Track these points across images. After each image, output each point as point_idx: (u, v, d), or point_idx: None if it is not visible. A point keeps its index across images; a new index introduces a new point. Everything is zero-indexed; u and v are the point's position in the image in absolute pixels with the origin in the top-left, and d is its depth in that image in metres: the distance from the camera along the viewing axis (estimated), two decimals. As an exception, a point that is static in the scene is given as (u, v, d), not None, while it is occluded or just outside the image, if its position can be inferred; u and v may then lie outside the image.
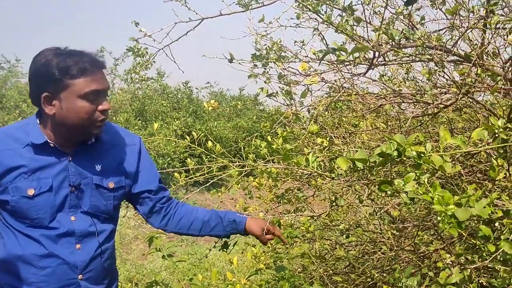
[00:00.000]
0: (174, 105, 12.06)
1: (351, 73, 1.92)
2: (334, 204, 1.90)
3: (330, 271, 2.88)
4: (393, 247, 2.58)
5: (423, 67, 2.25)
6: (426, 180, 1.26)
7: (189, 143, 2.94)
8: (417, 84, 2.07)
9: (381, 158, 1.29)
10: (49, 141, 1.57)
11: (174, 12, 1.79)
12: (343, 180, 2.26)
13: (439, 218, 1.08)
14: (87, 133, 1.58)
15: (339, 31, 1.48)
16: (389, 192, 1.17)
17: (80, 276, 1.61)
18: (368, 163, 1.32)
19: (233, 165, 2.89)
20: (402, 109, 2.20)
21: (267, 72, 2.87)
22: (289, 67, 2.00)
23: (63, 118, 1.53)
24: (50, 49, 1.54)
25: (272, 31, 2.05)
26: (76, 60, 1.50)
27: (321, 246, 2.78)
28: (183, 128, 10.52)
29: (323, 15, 1.46)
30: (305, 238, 2.79)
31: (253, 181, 3.15)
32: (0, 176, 1.53)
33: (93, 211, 1.64)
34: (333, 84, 2.26)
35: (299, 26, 2.04)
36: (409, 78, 2.46)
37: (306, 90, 3.03)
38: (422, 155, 1.27)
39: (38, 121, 1.61)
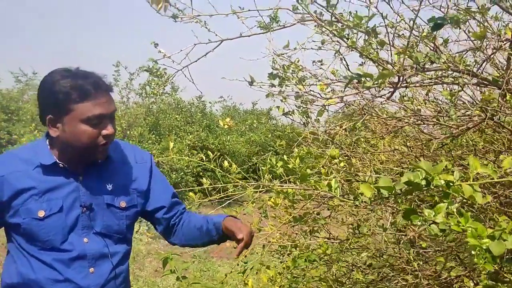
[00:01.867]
0: (188, 119, 12.10)
1: (373, 95, 1.88)
2: (356, 231, 1.84)
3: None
4: (413, 272, 2.51)
5: (444, 89, 2.21)
6: (455, 210, 1.21)
7: (204, 162, 2.91)
8: (438, 105, 2.02)
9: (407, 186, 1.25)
10: (58, 161, 1.56)
11: (194, 33, 1.78)
12: (364, 207, 2.21)
13: (473, 252, 1.03)
14: (90, 157, 1.56)
15: (364, 56, 1.45)
16: (418, 223, 1.12)
17: None
18: (393, 191, 1.28)
19: (249, 185, 2.86)
20: (424, 132, 2.15)
21: (283, 91, 2.85)
22: (310, 90, 1.96)
23: (67, 141, 1.52)
24: (58, 71, 1.52)
25: (293, 54, 2.02)
26: (79, 84, 1.47)
27: (338, 269, 2.72)
28: (196, 142, 10.53)
29: (348, 39, 1.43)
30: (322, 260, 2.73)
31: (269, 200, 3.11)
32: (10, 199, 1.52)
33: (106, 231, 1.61)
34: (352, 105, 2.22)
35: (321, 48, 2.02)
36: (429, 100, 2.41)
37: (323, 109, 3.00)
38: (451, 184, 1.22)
39: (47, 142, 1.60)
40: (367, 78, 1.18)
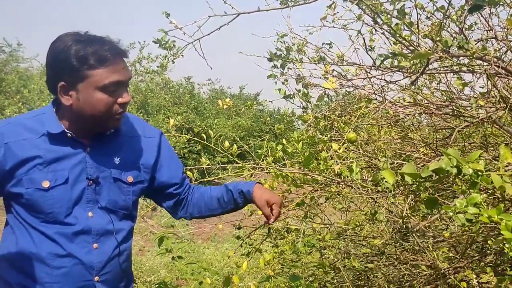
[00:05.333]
0: (176, 100, 11.93)
1: (387, 80, 1.83)
2: (373, 218, 1.81)
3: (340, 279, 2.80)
4: (411, 262, 2.50)
5: (457, 77, 2.17)
6: (482, 201, 1.18)
7: (201, 141, 2.85)
8: (453, 94, 1.98)
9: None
10: (66, 130, 1.47)
11: (209, 5, 1.70)
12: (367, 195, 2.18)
13: (506, 246, 1.00)
14: (104, 126, 1.49)
15: (397, 36, 1.39)
16: (451, 213, 1.08)
17: (96, 278, 1.50)
18: (418, 178, 1.24)
19: (247, 166, 2.81)
20: (443, 120, 2.11)
21: (286, 73, 2.79)
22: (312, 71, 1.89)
23: (80, 110, 1.44)
24: (69, 35, 1.43)
25: (315, 31, 1.96)
26: (96, 49, 1.39)
27: (334, 255, 2.70)
28: (183, 123, 10.40)
29: (382, 17, 1.37)
30: (320, 246, 2.71)
31: (264, 184, 3.06)
32: (13, 168, 1.43)
33: (111, 206, 1.54)
34: (363, 89, 2.17)
35: (346, 26, 1.95)
36: (438, 88, 2.38)
37: (323, 94, 2.94)
38: (480, 173, 1.18)
39: (55, 110, 1.51)
40: (402, 58, 1.13)
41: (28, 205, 1.45)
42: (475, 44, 1.78)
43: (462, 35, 1.43)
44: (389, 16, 1.33)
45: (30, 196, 1.44)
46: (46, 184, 1.44)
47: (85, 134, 1.50)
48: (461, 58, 1.54)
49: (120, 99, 1.43)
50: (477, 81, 1.91)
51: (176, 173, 1.70)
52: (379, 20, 1.39)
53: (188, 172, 2.87)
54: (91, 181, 1.49)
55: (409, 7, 1.43)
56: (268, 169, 2.69)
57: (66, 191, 1.46)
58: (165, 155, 1.68)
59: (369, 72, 2.04)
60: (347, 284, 2.20)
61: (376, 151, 2.35)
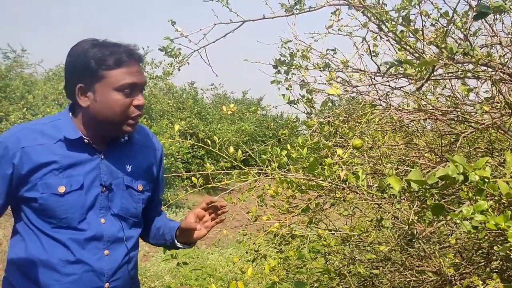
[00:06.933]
0: (179, 105, 11.97)
1: (392, 87, 1.83)
2: (379, 224, 1.80)
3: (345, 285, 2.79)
4: (416, 268, 2.49)
5: (462, 83, 2.17)
6: (489, 207, 1.17)
7: (206, 147, 2.85)
8: (458, 100, 1.99)
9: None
10: (83, 136, 1.49)
11: (214, 12, 1.71)
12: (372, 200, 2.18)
13: (514, 252, 1.00)
14: (119, 129, 1.48)
15: (402, 43, 1.40)
16: (458, 220, 1.08)
17: (106, 285, 1.50)
18: (424, 185, 1.24)
19: (251, 171, 2.81)
20: (447, 126, 2.11)
21: (290, 79, 2.79)
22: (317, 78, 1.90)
23: (97, 111, 1.46)
24: (87, 40, 1.47)
25: (320, 38, 1.96)
26: (113, 51, 1.42)
27: (340, 261, 2.69)
28: (187, 128, 10.43)
29: (387, 24, 1.37)
30: (325, 252, 2.70)
31: (268, 189, 3.06)
32: (29, 173, 1.44)
33: (123, 214, 1.55)
34: (368, 95, 2.18)
35: (351, 34, 1.96)
36: (443, 94, 2.38)
37: (327, 100, 2.95)
38: (486, 180, 1.18)
39: (71, 115, 1.53)
40: (407, 65, 1.13)
41: (41, 210, 1.46)
42: (480, 50, 1.78)
43: (467, 42, 1.44)
44: (394, 23, 1.34)
45: (44, 201, 1.44)
46: (62, 189, 1.44)
47: (99, 140, 1.51)
48: (465, 64, 1.54)
49: (135, 101, 1.45)
50: (481, 86, 1.91)
51: (158, 192, 1.74)
52: (384, 27, 1.40)
53: (193, 178, 2.88)
54: (104, 188, 1.50)
55: (414, 14, 1.44)
56: (273, 175, 2.69)
57: (80, 197, 1.47)
58: (160, 174, 1.72)
59: (374, 78, 2.04)
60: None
61: (381, 157, 2.35)
